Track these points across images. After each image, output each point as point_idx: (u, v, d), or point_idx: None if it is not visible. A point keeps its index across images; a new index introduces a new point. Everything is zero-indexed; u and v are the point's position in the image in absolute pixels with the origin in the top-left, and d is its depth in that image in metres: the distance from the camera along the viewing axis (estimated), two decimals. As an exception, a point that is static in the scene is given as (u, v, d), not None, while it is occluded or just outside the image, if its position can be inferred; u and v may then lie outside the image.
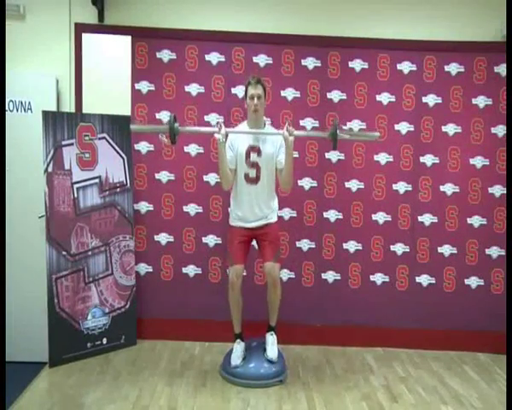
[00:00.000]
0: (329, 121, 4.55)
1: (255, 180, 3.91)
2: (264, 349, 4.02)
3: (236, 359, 3.95)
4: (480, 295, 4.67)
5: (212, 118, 4.54)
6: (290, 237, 4.64)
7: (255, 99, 3.82)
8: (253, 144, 3.90)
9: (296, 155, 4.55)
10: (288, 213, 4.62)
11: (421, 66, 4.57)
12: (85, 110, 4.41)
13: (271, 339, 4.02)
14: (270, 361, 3.94)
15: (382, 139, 4.55)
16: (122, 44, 4.49)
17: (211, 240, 4.65)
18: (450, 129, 4.59)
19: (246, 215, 3.96)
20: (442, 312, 4.69)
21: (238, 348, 4.00)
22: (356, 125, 4.57)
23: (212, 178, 4.58)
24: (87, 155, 4.24)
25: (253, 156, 3.90)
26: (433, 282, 4.69)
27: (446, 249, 4.67)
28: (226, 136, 3.79)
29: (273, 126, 4.17)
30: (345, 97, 4.58)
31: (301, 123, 4.56)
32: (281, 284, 3.98)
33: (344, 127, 3.77)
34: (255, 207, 3.94)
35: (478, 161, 4.62)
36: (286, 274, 4.64)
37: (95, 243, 4.29)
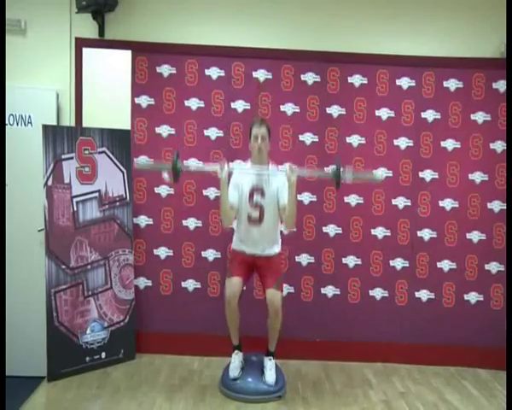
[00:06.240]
0: (329, 136, 4.58)
1: (258, 221, 3.89)
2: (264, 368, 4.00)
3: (235, 370, 3.95)
4: (480, 311, 4.66)
5: (212, 132, 4.56)
6: (289, 252, 4.63)
7: (259, 139, 3.83)
8: (256, 185, 3.88)
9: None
10: (287, 227, 4.61)
11: (420, 81, 4.59)
12: (85, 124, 4.42)
13: (270, 364, 3.98)
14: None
15: (381, 154, 4.58)
16: (122, 59, 4.51)
17: (210, 254, 4.65)
18: (449, 144, 4.61)
19: (248, 248, 3.97)
20: (441, 327, 4.67)
21: (236, 358, 4.00)
22: (355, 140, 4.59)
23: (211, 193, 4.58)
24: (87, 169, 4.25)
25: (257, 197, 3.88)
26: (433, 297, 4.68)
27: (446, 265, 4.67)
28: (229, 175, 3.77)
29: (276, 167, 4.05)
30: (344, 112, 4.60)
31: (301, 138, 4.58)
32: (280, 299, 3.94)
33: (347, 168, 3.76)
34: (258, 244, 3.94)
35: (477, 177, 4.63)
36: (285, 289, 4.59)
37: (94, 256, 4.29)
